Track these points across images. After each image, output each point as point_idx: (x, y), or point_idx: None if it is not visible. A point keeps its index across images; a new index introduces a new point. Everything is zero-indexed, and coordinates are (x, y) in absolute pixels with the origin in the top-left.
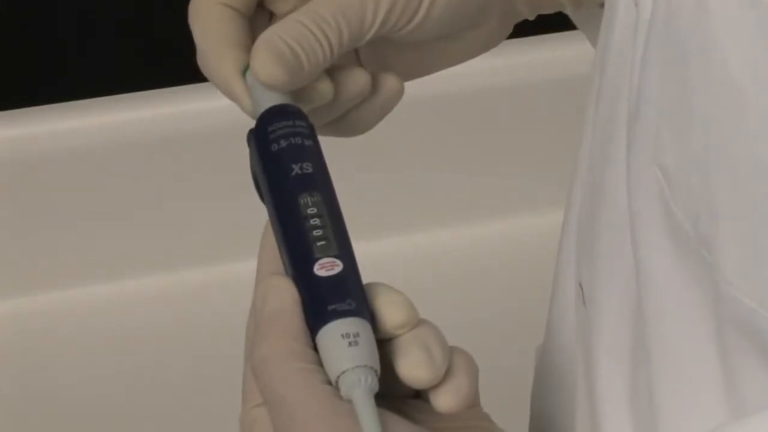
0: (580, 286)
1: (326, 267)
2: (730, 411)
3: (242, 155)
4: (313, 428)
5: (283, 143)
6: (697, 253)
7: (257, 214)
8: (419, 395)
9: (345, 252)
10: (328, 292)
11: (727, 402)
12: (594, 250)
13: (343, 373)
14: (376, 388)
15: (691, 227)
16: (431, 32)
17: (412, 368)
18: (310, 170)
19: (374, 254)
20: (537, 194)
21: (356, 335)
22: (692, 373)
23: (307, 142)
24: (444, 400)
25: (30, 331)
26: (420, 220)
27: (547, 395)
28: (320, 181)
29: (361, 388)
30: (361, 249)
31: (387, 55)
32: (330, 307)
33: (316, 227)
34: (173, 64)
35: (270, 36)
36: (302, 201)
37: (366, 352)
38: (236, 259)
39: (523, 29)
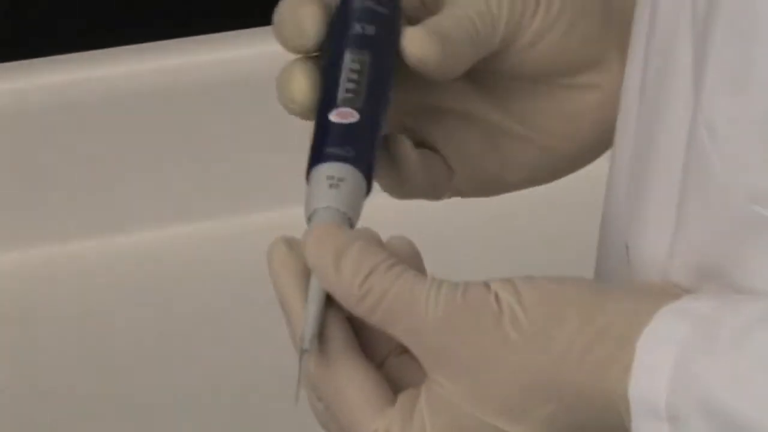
0: (627, 247)
1: (342, 115)
2: None
3: (253, 108)
4: None
5: (359, 3)
6: (743, 210)
7: (266, 168)
8: (404, 351)
9: (370, 112)
10: (331, 136)
11: None
12: (642, 208)
13: (314, 211)
14: None
15: (738, 186)
16: (550, 50)
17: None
18: (372, 33)
19: (397, 210)
20: None
21: (341, 180)
22: None
23: (382, 10)
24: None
25: (36, 284)
26: None
27: None
28: (377, 48)
29: None
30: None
31: (506, 105)
32: (327, 150)
33: (351, 80)
34: (174, 15)
35: (420, 25)
36: (349, 56)
37: (344, 198)
38: (246, 211)
39: None
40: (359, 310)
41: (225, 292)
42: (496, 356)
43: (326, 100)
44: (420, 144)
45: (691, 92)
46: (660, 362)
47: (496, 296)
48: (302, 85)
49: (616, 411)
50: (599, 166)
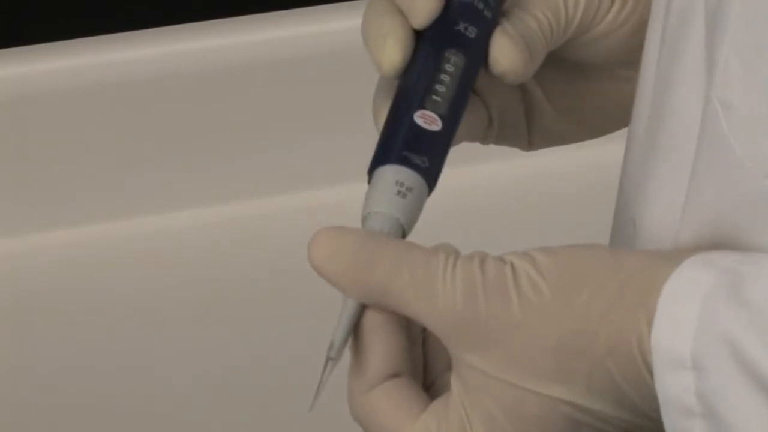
0: (633, 223)
1: (427, 119)
2: None
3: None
4: None
5: (467, 1)
6: (758, 184)
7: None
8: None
9: (451, 121)
10: (412, 139)
11: None
12: (650, 184)
13: (375, 213)
14: None
15: (753, 161)
16: (611, 47)
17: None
18: (473, 36)
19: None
20: None
21: (409, 189)
22: None
23: (488, 13)
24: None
25: (41, 270)
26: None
27: None
28: (474, 50)
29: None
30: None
31: (555, 89)
32: (404, 153)
33: (441, 83)
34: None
35: (505, 28)
36: (446, 54)
37: (407, 209)
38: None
39: None
40: (372, 297)
41: (237, 279)
42: (522, 321)
43: (411, 91)
44: None
45: (703, 68)
46: (684, 312)
47: (512, 266)
48: (395, 61)
49: (647, 365)
50: (618, 152)
